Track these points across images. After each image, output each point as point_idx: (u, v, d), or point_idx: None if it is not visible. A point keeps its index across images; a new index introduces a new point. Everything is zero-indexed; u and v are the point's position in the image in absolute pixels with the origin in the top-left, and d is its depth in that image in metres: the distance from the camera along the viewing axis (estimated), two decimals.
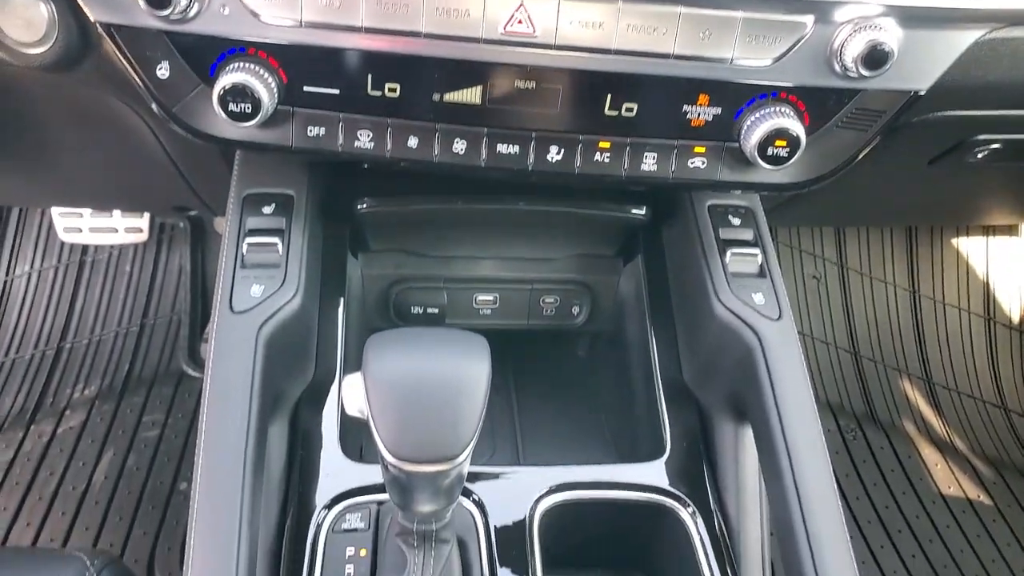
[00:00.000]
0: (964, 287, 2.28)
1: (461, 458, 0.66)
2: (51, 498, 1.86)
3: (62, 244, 2.26)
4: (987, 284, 2.29)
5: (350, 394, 0.68)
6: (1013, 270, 2.30)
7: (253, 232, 0.92)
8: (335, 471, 0.92)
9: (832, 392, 2.13)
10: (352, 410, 0.68)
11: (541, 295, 1.18)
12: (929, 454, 2.04)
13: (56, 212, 2.17)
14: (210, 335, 0.86)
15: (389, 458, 0.66)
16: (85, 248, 2.27)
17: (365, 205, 1.04)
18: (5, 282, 2.23)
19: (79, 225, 2.18)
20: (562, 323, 1.20)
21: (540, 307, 1.19)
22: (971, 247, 2.31)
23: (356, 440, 0.99)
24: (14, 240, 2.26)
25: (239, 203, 0.95)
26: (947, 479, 1.99)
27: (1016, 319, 2.26)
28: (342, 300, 1.02)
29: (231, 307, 0.87)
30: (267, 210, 0.95)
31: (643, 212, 1.07)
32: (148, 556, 1.77)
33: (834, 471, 2.01)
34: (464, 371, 0.66)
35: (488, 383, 0.66)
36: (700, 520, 0.91)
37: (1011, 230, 2.30)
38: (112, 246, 2.28)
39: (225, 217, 0.95)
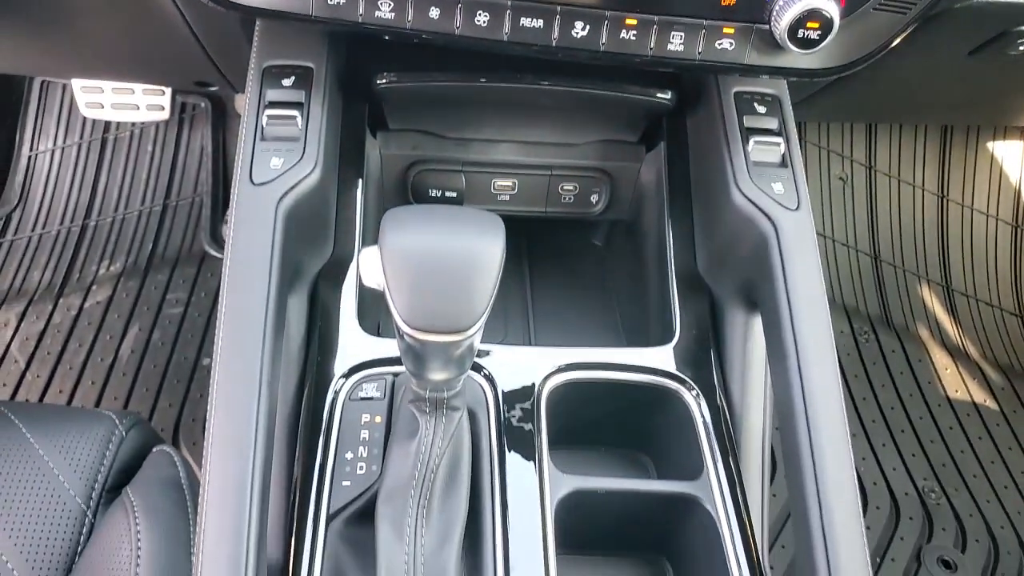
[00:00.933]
0: (995, 193, 2.24)
1: (472, 331, 0.68)
2: (81, 368, 1.94)
3: (84, 121, 2.26)
4: (1018, 191, 2.24)
5: (367, 265, 0.69)
6: None
7: (273, 104, 0.92)
8: (352, 344, 0.95)
9: (849, 295, 2.13)
10: (369, 281, 0.70)
11: (560, 182, 1.17)
12: (940, 358, 2.06)
13: (77, 86, 2.15)
14: (231, 207, 0.87)
15: (404, 327, 0.67)
16: (107, 126, 2.27)
17: (384, 80, 1.02)
18: (29, 158, 2.24)
19: (100, 100, 2.16)
20: (580, 211, 1.20)
21: (559, 194, 1.18)
22: (1006, 151, 2.25)
23: (373, 317, 1.01)
24: (36, 115, 2.26)
25: (259, 75, 0.94)
26: (955, 383, 2.02)
27: None
28: (360, 180, 1.02)
29: (251, 179, 0.87)
30: (286, 83, 0.94)
31: (668, 97, 1.05)
32: (173, 425, 1.86)
33: (843, 372, 2.03)
34: (479, 247, 0.67)
35: (502, 260, 0.67)
36: (704, 403, 0.93)
37: None
38: (134, 124, 2.27)
39: (245, 91, 0.95)
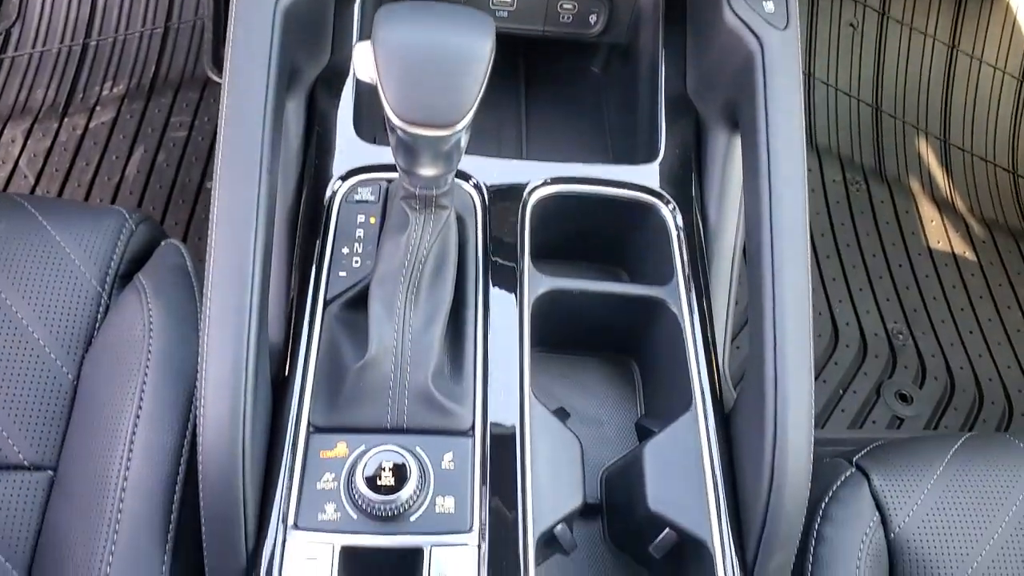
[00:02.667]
0: (1005, 45, 2.19)
1: (460, 126, 0.72)
2: (88, 186, 1.99)
3: None
4: None
5: (361, 59, 0.72)
6: None
7: None
8: (349, 149, 0.99)
9: (845, 144, 2.15)
10: (362, 75, 0.73)
11: (560, 0, 1.17)
12: (927, 211, 2.10)
13: None
14: (231, 6, 0.88)
15: (395, 120, 0.71)
16: None
17: None
18: None
19: None
20: (578, 31, 1.20)
21: (558, 13, 1.18)
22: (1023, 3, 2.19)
23: (369, 129, 1.05)
24: None
25: None
26: (938, 235, 2.07)
27: None
28: None
29: None
30: None
31: None
32: (181, 240, 1.93)
33: (830, 219, 2.07)
34: (469, 42, 0.70)
35: (491, 56, 0.70)
36: (680, 217, 0.99)
37: None
38: None
39: None
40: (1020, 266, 2.07)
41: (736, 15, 0.93)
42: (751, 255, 0.86)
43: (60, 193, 1.98)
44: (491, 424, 0.84)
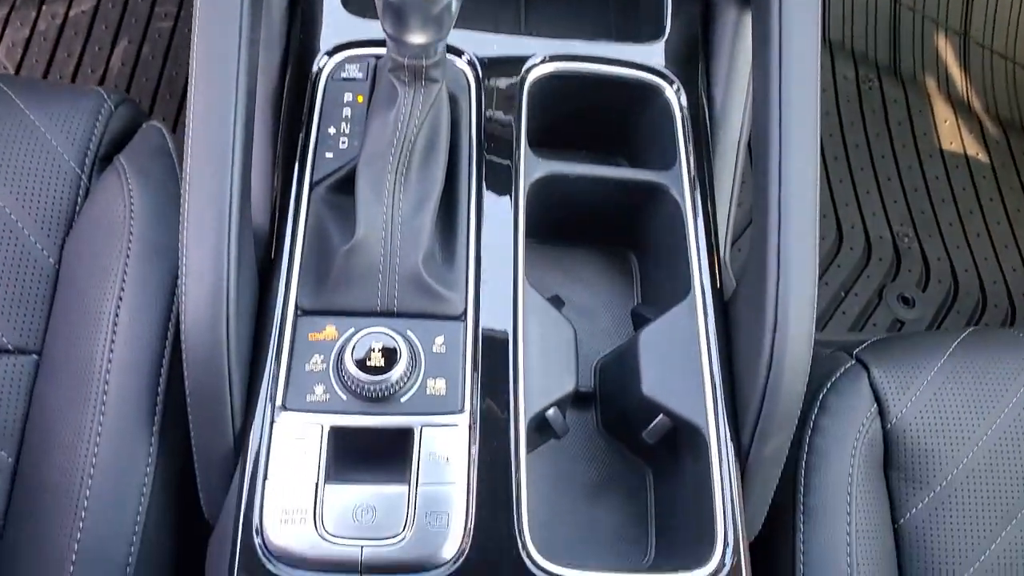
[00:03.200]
0: None
1: None
2: (71, 78, 1.92)
3: None
4: None
5: None
6: None
7: None
8: (336, 22, 0.93)
9: (859, 40, 2.05)
10: None
11: None
12: (941, 110, 2.03)
13: None
14: None
15: None
16: None
17: None
18: None
19: None
20: None
21: None
22: None
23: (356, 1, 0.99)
24: None
25: None
26: (951, 135, 2.01)
27: None
28: None
29: None
30: None
31: None
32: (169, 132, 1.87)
33: (840, 119, 2.00)
34: None
35: None
36: (684, 98, 0.94)
37: None
38: None
39: None
40: None
41: None
42: (757, 139, 0.81)
43: None
44: (483, 309, 0.81)
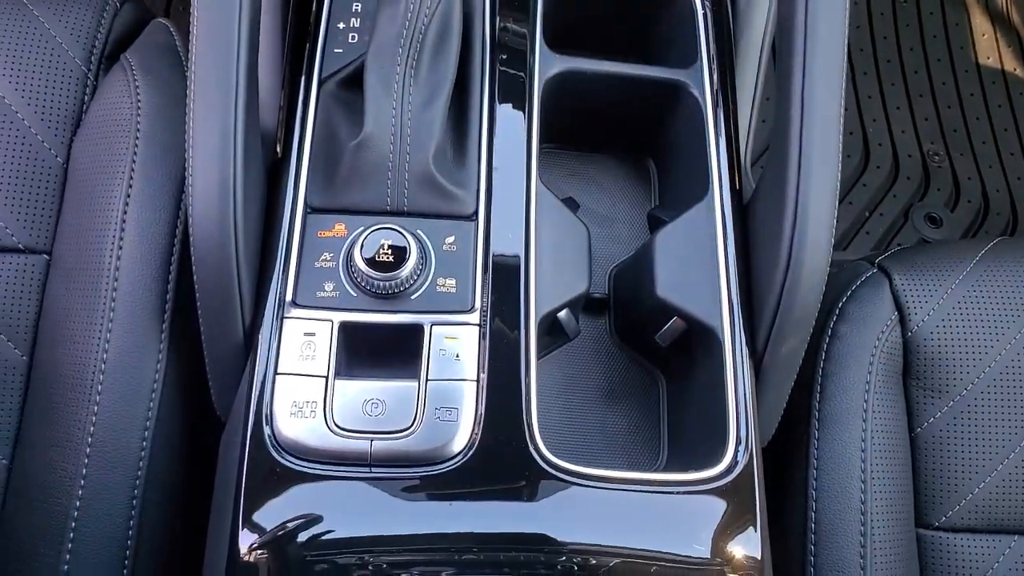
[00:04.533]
0: None
1: None
2: None
3: None
4: None
5: None
6: None
7: None
8: None
9: None
10: None
11: None
12: (980, 23, 1.93)
13: None
14: None
15: None
16: None
17: None
18: None
19: None
20: None
21: None
22: None
23: None
24: None
25: None
26: (989, 49, 1.92)
27: None
28: None
29: None
30: None
31: None
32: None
33: (872, 33, 1.91)
34: None
35: None
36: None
37: None
38: None
39: None
40: None
41: None
42: (781, 38, 0.77)
43: None
44: (495, 208, 0.79)
